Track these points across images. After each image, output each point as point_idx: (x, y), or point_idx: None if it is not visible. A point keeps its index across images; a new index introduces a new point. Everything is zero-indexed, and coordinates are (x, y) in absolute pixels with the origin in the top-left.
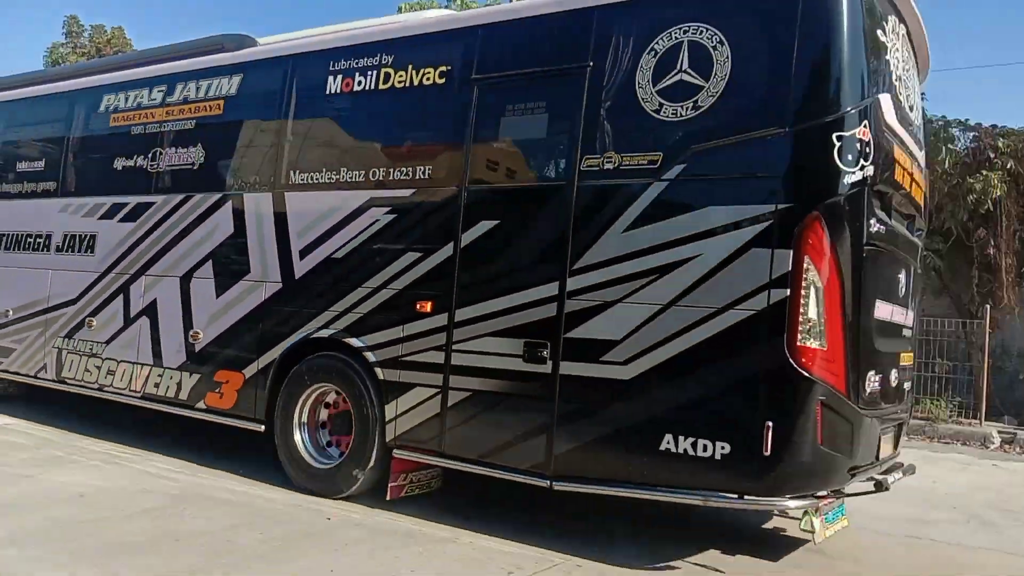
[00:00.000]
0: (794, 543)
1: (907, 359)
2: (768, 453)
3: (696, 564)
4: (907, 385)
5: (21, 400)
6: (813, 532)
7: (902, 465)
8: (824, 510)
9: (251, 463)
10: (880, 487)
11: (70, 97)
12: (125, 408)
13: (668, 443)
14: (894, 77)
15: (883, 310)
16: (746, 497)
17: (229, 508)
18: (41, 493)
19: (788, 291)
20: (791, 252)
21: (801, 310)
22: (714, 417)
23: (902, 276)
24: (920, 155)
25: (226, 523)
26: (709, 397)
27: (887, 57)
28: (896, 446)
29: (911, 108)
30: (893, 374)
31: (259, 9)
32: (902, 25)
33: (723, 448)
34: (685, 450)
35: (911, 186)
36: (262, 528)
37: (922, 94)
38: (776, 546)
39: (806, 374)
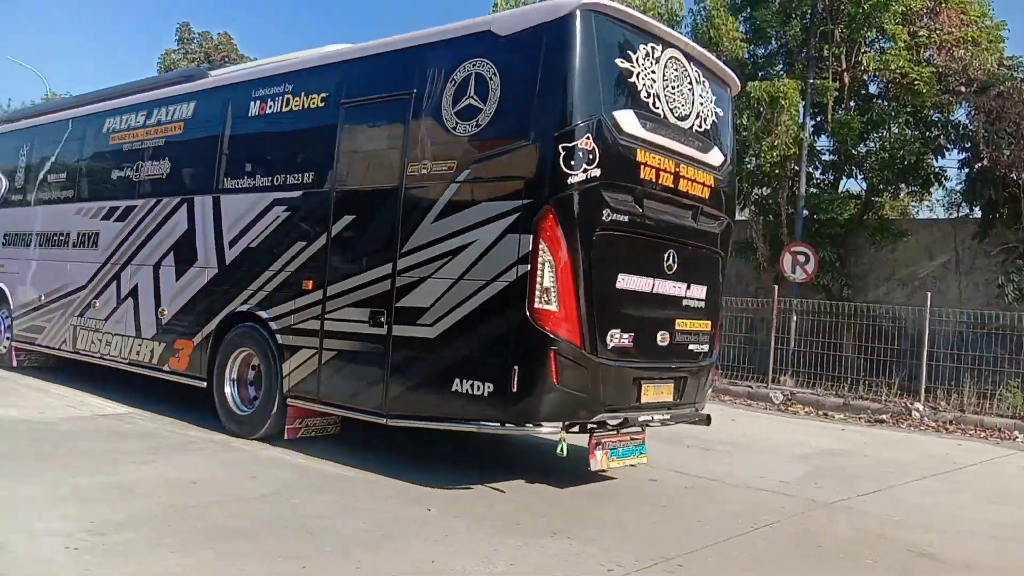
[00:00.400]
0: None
1: (690, 325)
2: (515, 391)
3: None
4: (696, 347)
5: (83, 377)
6: (563, 455)
7: (690, 411)
8: (610, 445)
9: (355, 453)
10: (625, 424)
11: (83, 119)
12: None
13: (457, 385)
14: (646, 95)
15: (635, 282)
16: (506, 425)
17: (336, 496)
18: (156, 479)
19: (529, 266)
20: (531, 236)
21: (538, 281)
22: (483, 363)
23: (668, 255)
24: (702, 155)
25: (336, 507)
26: (481, 348)
27: (632, 80)
28: (681, 395)
29: (684, 117)
30: (661, 335)
31: (357, 12)
32: (669, 50)
33: (489, 387)
34: (467, 390)
35: (678, 182)
36: (364, 518)
37: (720, 111)
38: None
39: (541, 330)
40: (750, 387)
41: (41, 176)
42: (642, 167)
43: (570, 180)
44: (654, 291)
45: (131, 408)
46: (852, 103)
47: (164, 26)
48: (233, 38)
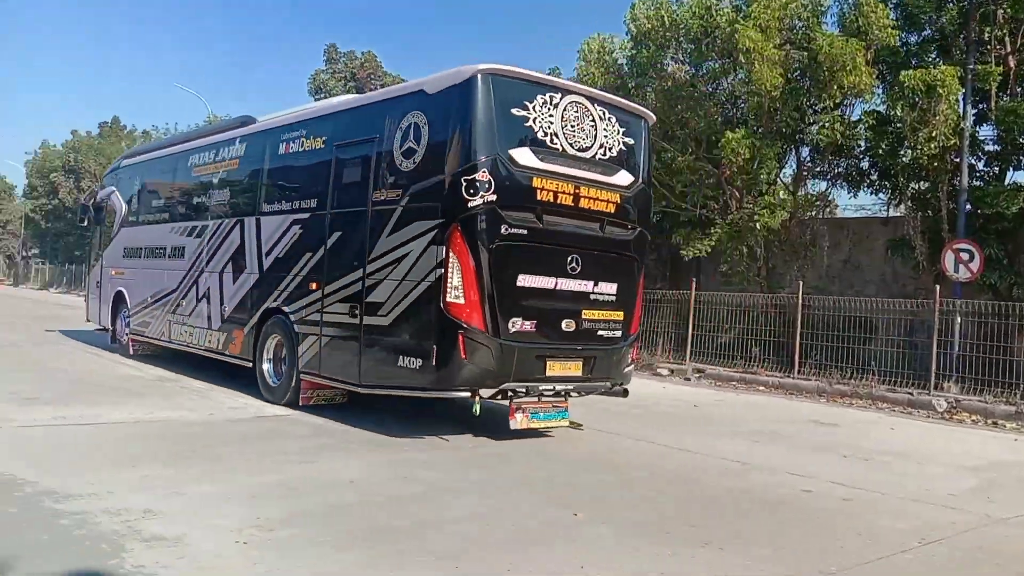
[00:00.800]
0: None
1: (598, 315)
2: (435, 365)
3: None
4: (606, 332)
5: (180, 362)
6: (478, 415)
7: (604, 385)
8: (531, 409)
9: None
10: (529, 392)
11: (173, 157)
12: (391, 403)
13: (401, 361)
14: (543, 134)
15: (536, 281)
16: (434, 391)
17: (479, 499)
18: (317, 478)
19: (442, 270)
20: (444, 247)
21: (449, 280)
22: (416, 344)
23: (571, 259)
24: (607, 178)
25: (482, 511)
26: (414, 332)
27: (528, 124)
28: (592, 371)
29: (586, 148)
30: (566, 323)
31: (493, 25)
32: (569, 96)
33: (419, 362)
34: (406, 364)
35: (579, 201)
36: (513, 519)
37: (632, 139)
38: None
39: (452, 318)
40: (910, 394)
41: (147, 201)
42: (539, 191)
43: (470, 204)
44: (557, 288)
45: (289, 410)
46: (1019, 88)
47: (313, 49)
48: (377, 56)
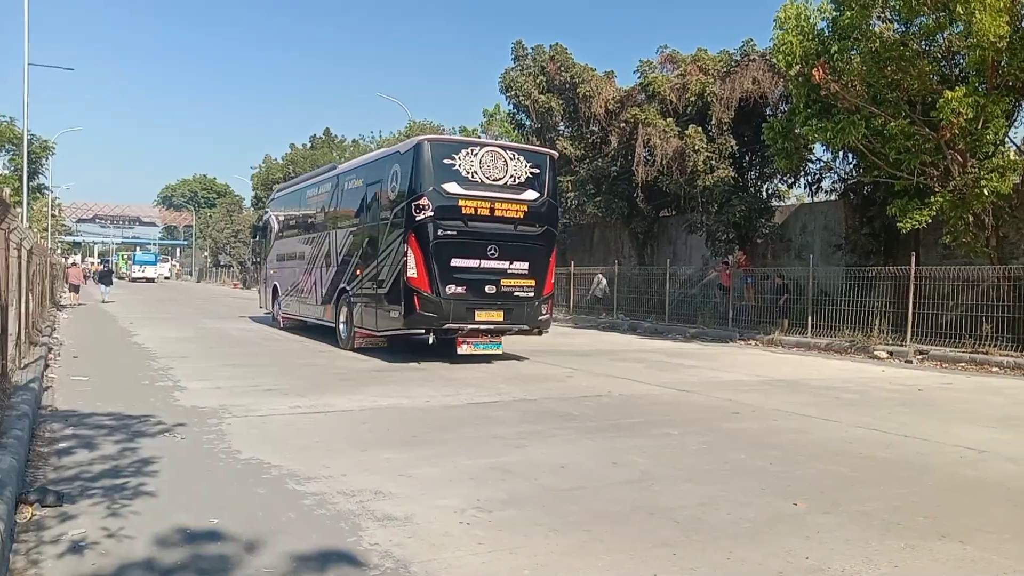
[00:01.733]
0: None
1: (514, 283)
2: (404, 314)
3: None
4: (521, 293)
5: (396, 353)
6: (431, 343)
7: (519, 327)
8: (473, 341)
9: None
10: (461, 330)
11: (298, 191)
12: (589, 397)
13: (392, 313)
14: (467, 172)
15: (465, 262)
16: (406, 330)
17: (693, 487)
18: (529, 462)
19: (405, 258)
20: (406, 244)
21: (408, 264)
22: (395, 302)
23: (490, 248)
24: (516, 195)
25: (694, 500)
26: (395, 295)
27: (455, 167)
28: (511, 318)
29: (499, 179)
30: (488, 287)
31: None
32: (486, 147)
33: (398, 312)
34: (393, 315)
35: (495, 211)
36: (729, 509)
37: (541, 170)
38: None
39: (411, 286)
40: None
41: (287, 221)
42: (463, 207)
43: (417, 219)
44: (480, 266)
45: (498, 397)
46: None
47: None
48: (567, 48)
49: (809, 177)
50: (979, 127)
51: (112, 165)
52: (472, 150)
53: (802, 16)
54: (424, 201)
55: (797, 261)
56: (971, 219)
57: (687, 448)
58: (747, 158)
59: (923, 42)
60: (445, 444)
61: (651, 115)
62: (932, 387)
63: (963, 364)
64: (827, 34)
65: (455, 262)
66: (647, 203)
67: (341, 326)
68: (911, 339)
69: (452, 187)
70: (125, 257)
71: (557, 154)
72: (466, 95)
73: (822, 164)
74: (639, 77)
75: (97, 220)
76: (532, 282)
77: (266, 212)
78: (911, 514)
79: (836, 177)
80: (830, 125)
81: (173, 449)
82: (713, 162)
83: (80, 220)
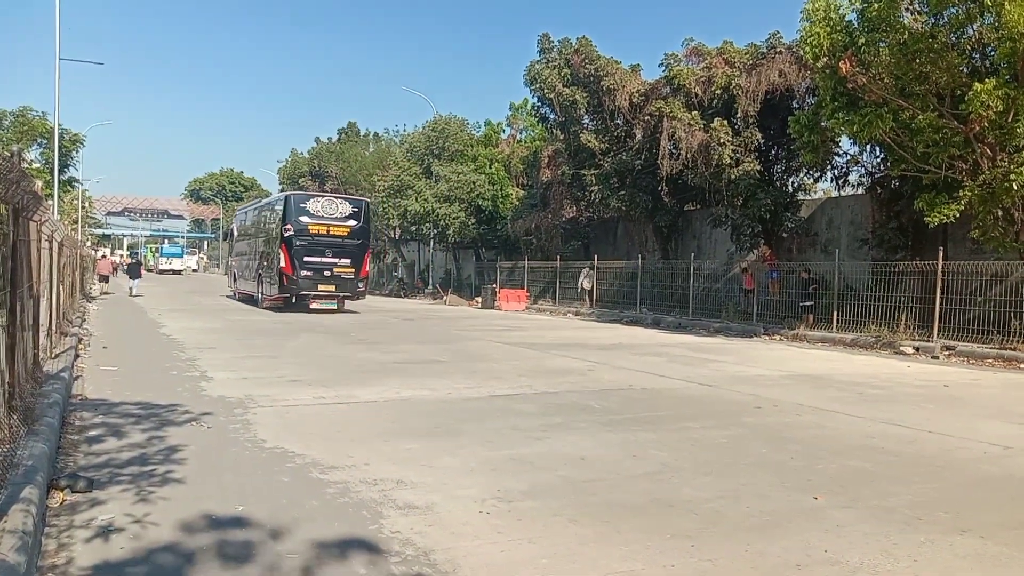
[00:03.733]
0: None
1: (341, 270)
2: (279, 286)
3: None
4: (345, 274)
5: (419, 348)
6: (294, 302)
7: (343, 295)
8: (319, 302)
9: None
10: (310, 295)
11: (244, 211)
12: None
13: (274, 284)
14: (313, 210)
15: (312, 259)
16: (280, 295)
17: (713, 480)
18: (551, 453)
19: (280, 255)
20: (280, 248)
21: (282, 259)
22: (276, 279)
23: (328, 250)
24: (343, 223)
25: (714, 493)
26: (275, 276)
27: (307, 208)
28: (339, 289)
29: (335, 213)
30: (326, 272)
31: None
32: (326, 196)
33: (276, 286)
34: (274, 285)
35: (333, 231)
36: (748, 503)
37: (360, 208)
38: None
39: (283, 271)
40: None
41: (241, 230)
42: (310, 228)
43: (286, 235)
44: (321, 261)
45: (519, 389)
46: None
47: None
48: (592, 41)
49: (836, 171)
50: (1009, 120)
51: (141, 159)
52: (317, 199)
53: (830, 8)
54: (288, 226)
55: (823, 256)
56: (1000, 213)
57: (708, 442)
58: (773, 151)
59: (952, 34)
60: (466, 435)
61: (676, 108)
62: (958, 383)
63: (990, 360)
64: (855, 26)
65: (306, 259)
66: (672, 197)
67: (258, 295)
68: (938, 335)
69: (304, 218)
70: (153, 249)
71: (370, 200)
72: (493, 88)
73: (849, 158)
74: (664, 70)
75: (126, 213)
76: (352, 270)
77: (232, 222)
78: (932, 509)
79: (863, 171)
80: (857, 118)
81: (200, 438)
82: (739, 155)
83: (110, 213)
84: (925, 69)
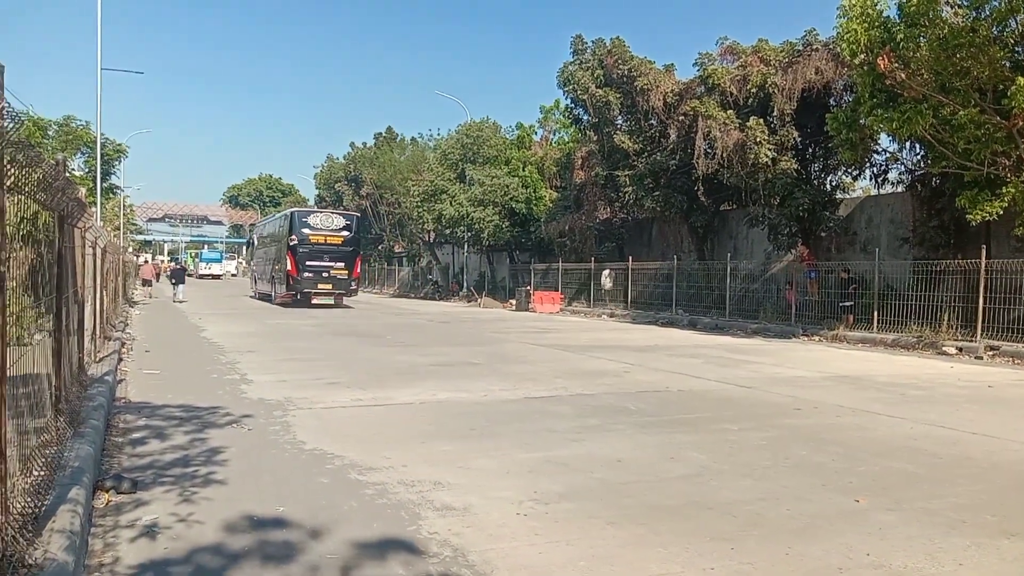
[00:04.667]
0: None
1: (336, 272)
2: (286, 286)
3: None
4: (340, 276)
5: (454, 351)
6: (299, 297)
7: (337, 295)
8: (319, 299)
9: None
10: (312, 293)
11: (261, 224)
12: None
13: (283, 284)
14: (313, 223)
15: (313, 263)
16: (288, 293)
17: (752, 482)
18: (587, 456)
19: (287, 261)
20: (287, 254)
21: (288, 264)
22: (284, 279)
23: (326, 256)
24: (337, 234)
25: (753, 496)
26: (283, 277)
27: (308, 221)
28: (335, 288)
29: (331, 226)
30: (325, 273)
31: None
32: (325, 211)
33: (284, 285)
34: (283, 285)
35: (330, 240)
36: (788, 505)
37: (351, 221)
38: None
39: (290, 274)
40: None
41: (261, 240)
42: (311, 238)
43: (291, 244)
44: (320, 264)
45: (555, 391)
46: None
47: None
48: (625, 42)
49: (875, 169)
50: None
51: (181, 166)
52: (316, 214)
53: (867, 4)
54: (293, 236)
55: (862, 255)
56: None
57: (746, 444)
58: (810, 150)
59: (994, 28)
60: (502, 437)
61: (711, 107)
62: (1003, 384)
63: None
64: (893, 21)
65: (307, 263)
66: (707, 197)
67: (272, 293)
68: (981, 334)
69: (306, 230)
70: (193, 255)
71: (360, 213)
72: (524, 90)
73: (888, 155)
74: (698, 69)
75: (167, 219)
76: (346, 272)
77: (251, 234)
78: (977, 512)
79: (903, 168)
80: (896, 115)
81: (241, 440)
82: (775, 154)
83: (151, 219)
84: (966, 64)
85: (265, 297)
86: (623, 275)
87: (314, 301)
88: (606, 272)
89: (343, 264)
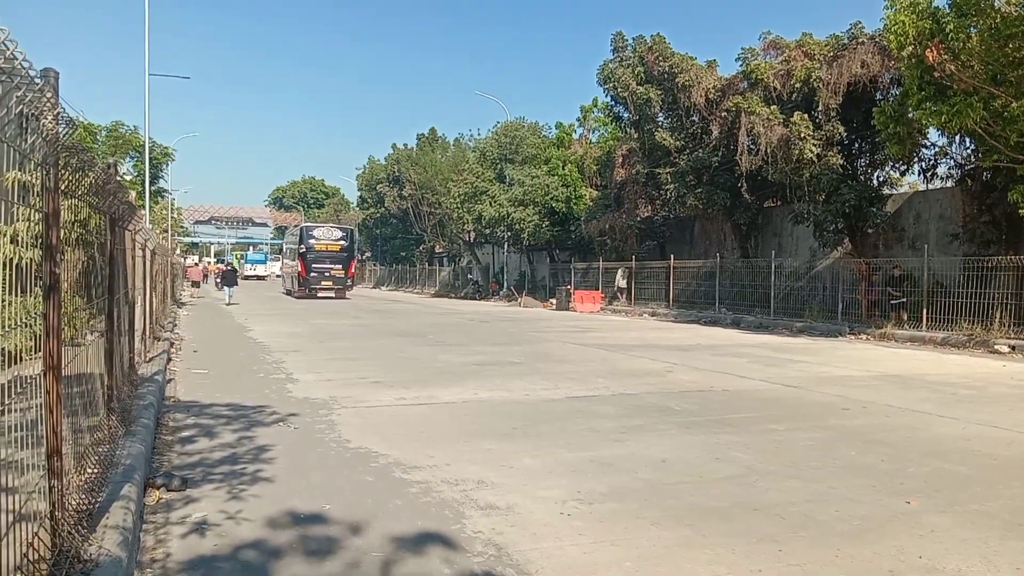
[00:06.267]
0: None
1: (335, 271)
2: (299, 283)
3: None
4: (338, 274)
5: (493, 348)
6: (308, 293)
7: (336, 291)
8: (321, 293)
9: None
10: (317, 288)
11: (286, 234)
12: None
13: (298, 283)
14: (318, 235)
15: (318, 264)
16: (300, 289)
17: (800, 483)
18: (630, 456)
19: (300, 263)
20: (299, 260)
21: (301, 266)
22: (296, 279)
23: (328, 259)
24: (337, 242)
25: (801, 497)
26: (296, 277)
27: (314, 233)
28: (335, 286)
29: (331, 237)
30: (327, 272)
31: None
32: (326, 225)
33: (297, 283)
34: (296, 283)
35: (330, 248)
36: (838, 506)
37: (346, 233)
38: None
39: (300, 274)
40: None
41: (285, 249)
42: (316, 247)
43: (301, 251)
44: (323, 266)
45: (597, 391)
46: None
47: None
48: (666, 38)
49: (923, 163)
50: None
51: (226, 169)
52: (320, 228)
53: None
54: (303, 245)
55: (911, 252)
56: None
57: (793, 444)
58: (856, 145)
59: None
60: (545, 437)
61: (754, 103)
62: None
63: None
64: (942, 12)
65: (314, 266)
66: (751, 193)
67: (293, 289)
68: None
69: (312, 241)
70: (238, 256)
71: (356, 227)
72: (566, 90)
73: (937, 149)
74: (741, 65)
75: (212, 221)
76: (343, 272)
77: (284, 243)
78: None
79: (952, 163)
80: (945, 108)
81: (287, 438)
82: (820, 150)
83: (197, 222)
84: (1019, 54)
85: (288, 293)
86: (664, 273)
87: (320, 295)
88: (620, 271)
89: (340, 266)
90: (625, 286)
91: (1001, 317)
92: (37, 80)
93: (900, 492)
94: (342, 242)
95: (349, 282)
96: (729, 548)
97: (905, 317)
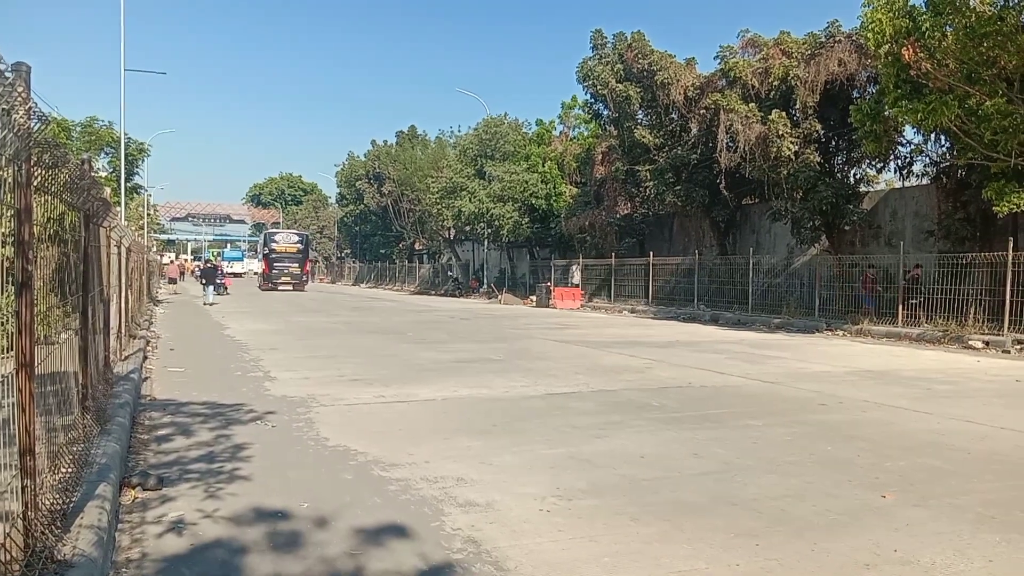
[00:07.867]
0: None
1: (292, 268)
2: (263, 279)
3: (270, 293)
4: (295, 270)
5: (479, 347)
6: (272, 288)
7: (294, 285)
8: (281, 287)
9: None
10: (277, 284)
11: (260, 236)
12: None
13: (262, 279)
14: (278, 239)
15: (279, 262)
16: (266, 284)
17: (777, 478)
18: (610, 452)
19: (264, 263)
20: (263, 260)
21: (264, 265)
22: (263, 276)
23: (285, 258)
24: (294, 246)
25: (778, 492)
26: (262, 275)
27: (275, 237)
28: (292, 282)
29: (289, 241)
30: (285, 269)
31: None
32: (287, 230)
33: (263, 279)
34: (263, 279)
35: (288, 250)
36: (816, 501)
37: (302, 238)
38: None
39: (263, 272)
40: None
41: (257, 251)
42: (276, 249)
43: (265, 252)
44: (282, 263)
45: (576, 387)
46: None
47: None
48: (646, 36)
49: (899, 161)
50: None
51: (203, 165)
52: (280, 233)
53: None
54: (267, 247)
55: (887, 248)
56: None
57: (771, 440)
58: (833, 142)
59: (1022, 16)
60: (525, 433)
61: (732, 101)
62: None
63: None
64: (919, 10)
65: (275, 264)
66: (729, 191)
67: (262, 285)
68: (1009, 328)
69: (273, 244)
70: (215, 254)
71: (309, 234)
72: (542, 86)
73: (913, 147)
74: (719, 63)
75: (189, 218)
76: (299, 269)
77: (260, 244)
78: (1008, 508)
79: (928, 160)
80: (921, 106)
81: (264, 436)
82: (798, 147)
83: (174, 219)
84: (993, 53)
85: (258, 288)
86: (644, 270)
87: (279, 289)
88: (575, 267)
89: (297, 265)
90: (578, 281)
91: (975, 313)
92: (8, 74)
93: (876, 486)
94: (299, 245)
95: (305, 278)
96: (707, 543)
97: (894, 314)
